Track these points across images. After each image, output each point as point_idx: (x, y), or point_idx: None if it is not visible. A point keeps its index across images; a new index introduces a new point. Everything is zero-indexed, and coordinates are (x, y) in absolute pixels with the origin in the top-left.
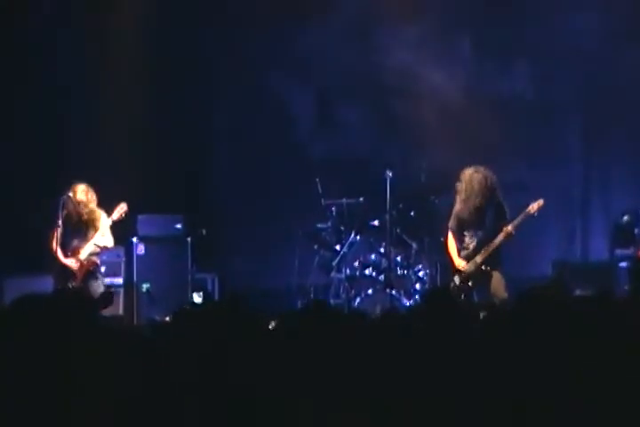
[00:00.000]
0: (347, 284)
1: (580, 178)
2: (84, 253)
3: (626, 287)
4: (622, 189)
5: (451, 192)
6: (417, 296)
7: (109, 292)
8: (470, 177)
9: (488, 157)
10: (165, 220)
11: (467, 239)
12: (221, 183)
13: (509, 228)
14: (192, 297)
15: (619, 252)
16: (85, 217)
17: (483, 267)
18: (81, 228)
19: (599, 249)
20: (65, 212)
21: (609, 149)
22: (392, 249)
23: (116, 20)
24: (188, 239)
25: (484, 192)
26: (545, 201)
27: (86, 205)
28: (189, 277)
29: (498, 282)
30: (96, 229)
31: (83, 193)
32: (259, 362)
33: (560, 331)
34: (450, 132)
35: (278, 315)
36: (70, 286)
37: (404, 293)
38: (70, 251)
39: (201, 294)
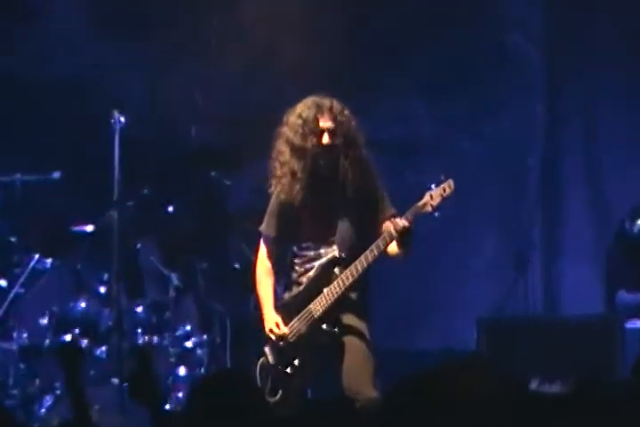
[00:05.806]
0: None
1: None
2: None
3: None
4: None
5: (263, 163)
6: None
7: None
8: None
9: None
10: None
11: (297, 264)
12: None
13: (392, 231)
14: None
15: (625, 296)
16: None
17: (325, 326)
18: None
19: (583, 294)
20: None
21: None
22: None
23: None
24: None
25: (343, 153)
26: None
27: None
28: None
29: (360, 361)
30: None
31: None
32: None
33: None
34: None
35: None
36: None
37: None
38: None
39: None
